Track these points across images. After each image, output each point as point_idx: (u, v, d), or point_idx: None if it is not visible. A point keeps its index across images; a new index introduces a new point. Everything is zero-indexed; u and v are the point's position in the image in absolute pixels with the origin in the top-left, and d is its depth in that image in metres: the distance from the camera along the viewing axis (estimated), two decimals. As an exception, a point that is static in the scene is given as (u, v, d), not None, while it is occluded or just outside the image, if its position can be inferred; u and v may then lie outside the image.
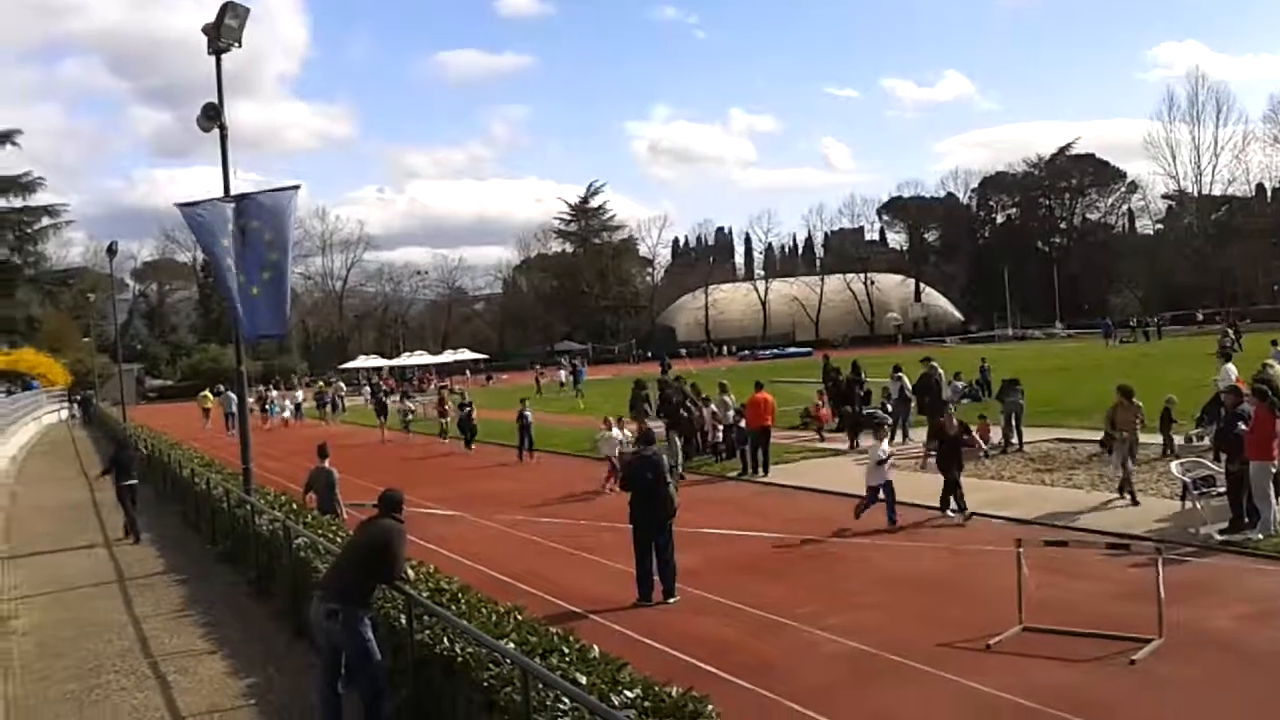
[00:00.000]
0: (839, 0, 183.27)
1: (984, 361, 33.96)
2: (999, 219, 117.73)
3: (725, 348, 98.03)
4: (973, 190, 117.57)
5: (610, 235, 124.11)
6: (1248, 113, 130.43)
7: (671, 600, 11.46)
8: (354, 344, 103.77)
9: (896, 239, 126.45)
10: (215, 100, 14.56)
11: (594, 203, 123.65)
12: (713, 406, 22.74)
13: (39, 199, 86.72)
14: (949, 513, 14.91)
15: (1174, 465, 14.35)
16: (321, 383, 60.24)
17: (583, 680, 5.73)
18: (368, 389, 61.46)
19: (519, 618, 7.27)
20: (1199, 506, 13.08)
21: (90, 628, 11.84)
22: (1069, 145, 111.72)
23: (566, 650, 6.38)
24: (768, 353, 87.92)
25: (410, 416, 36.25)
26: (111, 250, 44.25)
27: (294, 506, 13.51)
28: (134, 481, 18.17)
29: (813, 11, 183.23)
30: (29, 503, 24.33)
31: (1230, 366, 22.07)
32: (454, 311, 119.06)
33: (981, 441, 20.08)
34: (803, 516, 15.97)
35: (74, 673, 10.12)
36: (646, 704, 5.43)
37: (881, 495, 14.84)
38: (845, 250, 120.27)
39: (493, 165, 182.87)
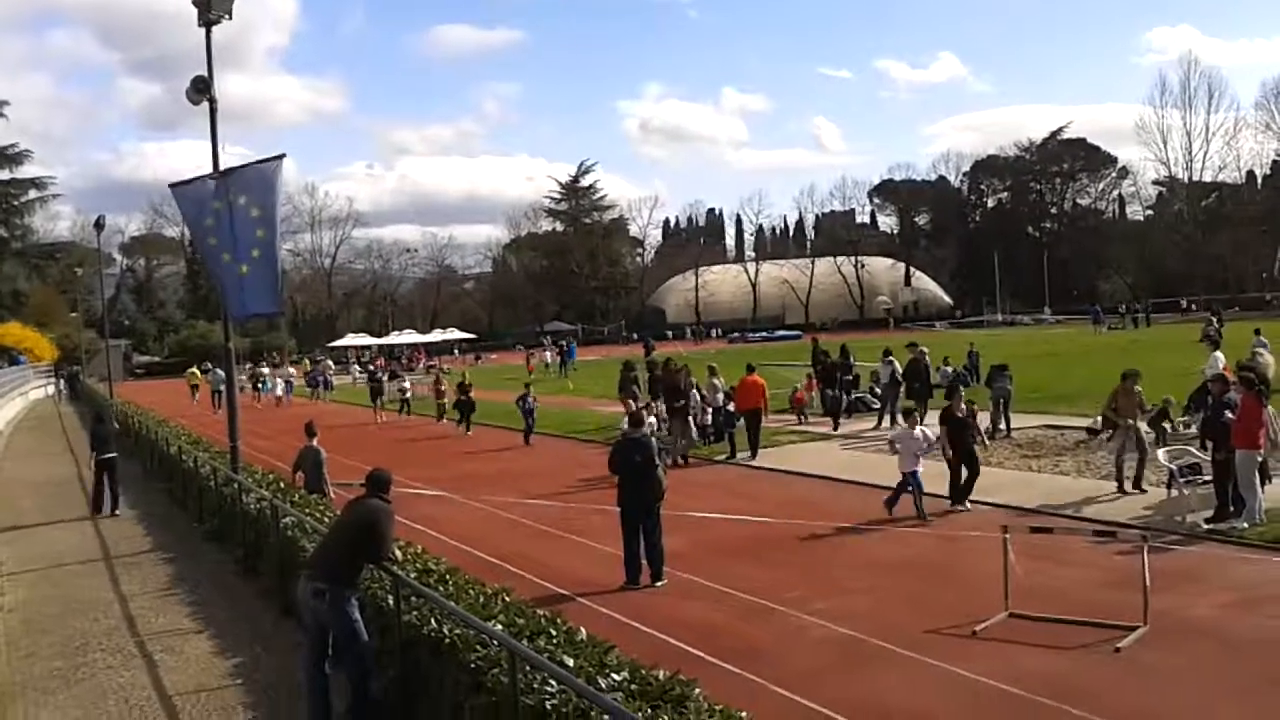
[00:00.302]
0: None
1: (972, 346, 33.94)
2: (990, 203, 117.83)
3: (714, 330, 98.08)
4: (964, 174, 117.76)
5: (601, 215, 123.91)
6: (1239, 99, 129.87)
7: (659, 584, 11.47)
8: (342, 321, 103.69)
9: (887, 222, 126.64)
10: (205, 73, 14.43)
11: (585, 182, 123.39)
12: (702, 390, 22.70)
13: (26, 171, 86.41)
14: (967, 504, 14.43)
15: (1160, 453, 14.39)
16: (308, 361, 60.03)
17: (570, 663, 5.72)
18: (355, 366, 61.34)
19: (507, 599, 7.25)
20: (1185, 494, 13.14)
21: (76, 605, 11.80)
22: (1061, 130, 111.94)
23: (554, 632, 6.37)
24: (757, 335, 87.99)
25: (408, 396, 35.72)
26: (99, 224, 43.90)
27: (281, 485, 13.46)
28: (113, 455, 18.15)
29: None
30: (15, 478, 24.23)
31: (1219, 354, 22.11)
32: (443, 290, 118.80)
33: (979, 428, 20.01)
34: (791, 500, 15.99)
35: (60, 650, 10.08)
36: (634, 687, 5.42)
37: (910, 486, 14.27)
38: (836, 233, 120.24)
39: (483, 142, 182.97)
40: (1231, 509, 12.54)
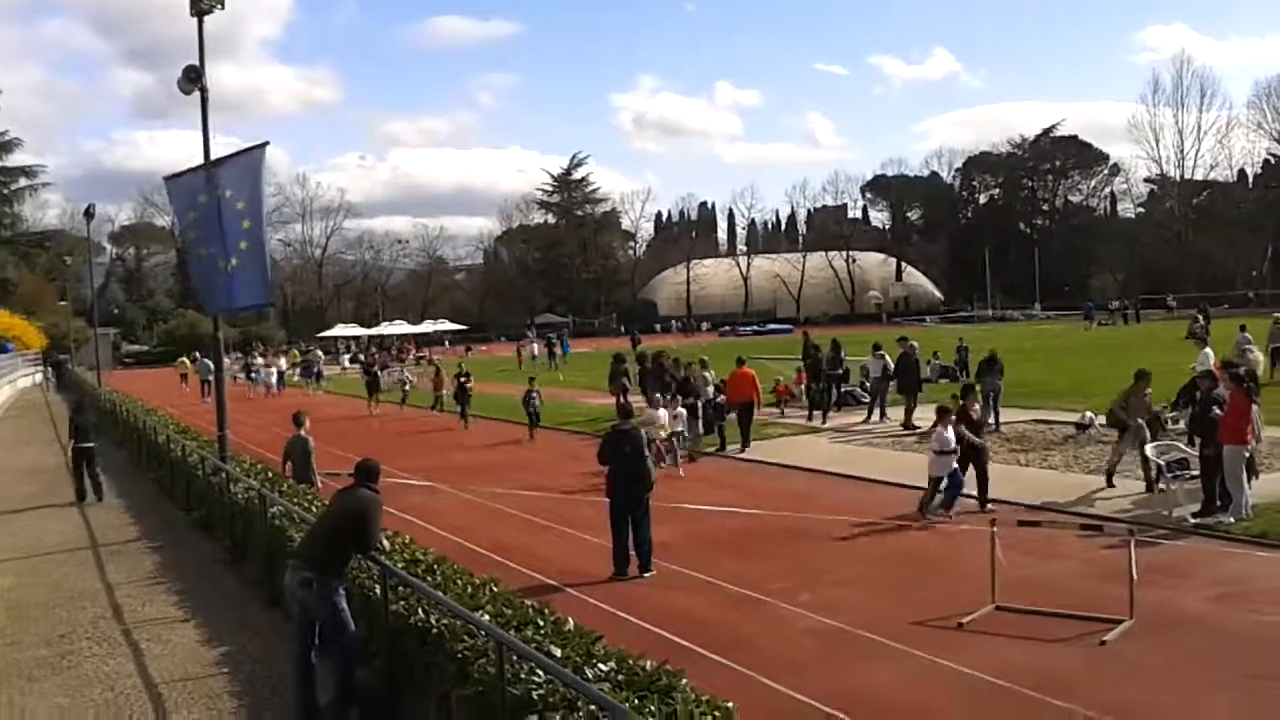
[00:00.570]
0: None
1: (961, 341, 34.03)
2: (981, 199, 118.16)
3: (703, 323, 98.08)
4: (956, 170, 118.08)
5: (593, 208, 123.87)
6: (1231, 98, 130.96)
7: (647, 575, 11.48)
8: (333, 312, 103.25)
9: (879, 217, 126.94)
10: (196, 62, 14.36)
11: (577, 174, 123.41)
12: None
13: (16, 159, 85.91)
14: (987, 506, 13.85)
15: (1148, 448, 14.43)
16: (295, 351, 59.81)
17: (557, 653, 5.72)
18: (346, 357, 61.13)
19: (494, 590, 7.25)
20: (1173, 489, 13.19)
21: (63, 593, 11.75)
22: (1053, 127, 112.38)
23: (541, 623, 6.37)
24: (748, 329, 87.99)
25: (408, 388, 35.45)
26: (89, 213, 43.80)
27: (270, 475, 13.43)
28: (91, 445, 18.16)
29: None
30: (1, 466, 24.11)
31: (1209, 351, 22.20)
32: (434, 281, 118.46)
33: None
34: (781, 492, 16.02)
35: (46, 638, 10.04)
36: (621, 677, 5.42)
37: (943, 486, 13.77)
38: (828, 228, 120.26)
39: (476, 134, 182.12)
40: (1218, 504, 12.60)
